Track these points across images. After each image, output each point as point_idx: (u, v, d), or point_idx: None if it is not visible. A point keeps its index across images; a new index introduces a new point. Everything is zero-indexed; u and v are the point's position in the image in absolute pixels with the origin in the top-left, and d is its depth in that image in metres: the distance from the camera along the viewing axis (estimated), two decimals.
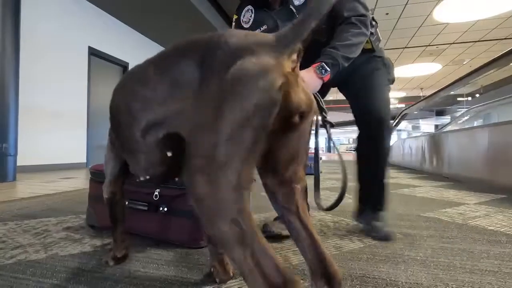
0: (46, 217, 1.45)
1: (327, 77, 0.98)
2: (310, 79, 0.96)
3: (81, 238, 1.12)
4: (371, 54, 1.23)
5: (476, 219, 1.48)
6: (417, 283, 0.76)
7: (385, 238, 1.13)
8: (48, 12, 4.22)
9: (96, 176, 1.25)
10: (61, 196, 2.08)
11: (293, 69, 0.47)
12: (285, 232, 1.09)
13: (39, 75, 4.05)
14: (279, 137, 0.51)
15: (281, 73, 0.44)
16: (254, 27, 1.17)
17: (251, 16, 1.17)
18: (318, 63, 0.98)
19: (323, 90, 1.37)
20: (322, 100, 1.00)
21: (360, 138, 1.22)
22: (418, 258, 0.94)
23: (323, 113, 0.95)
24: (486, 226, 1.34)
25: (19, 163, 3.10)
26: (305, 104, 0.49)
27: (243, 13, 1.20)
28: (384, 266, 0.87)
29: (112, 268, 0.84)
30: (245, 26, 1.19)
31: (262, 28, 1.15)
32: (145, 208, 1.10)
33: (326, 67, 0.97)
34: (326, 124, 0.96)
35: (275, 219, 1.24)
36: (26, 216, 1.47)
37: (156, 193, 1.07)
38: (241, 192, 0.43)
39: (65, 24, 4.50)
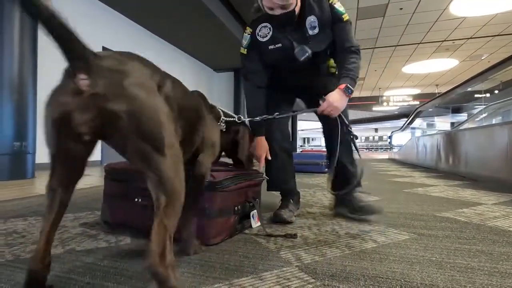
0: None
1: (351, 95, 1.27)
2: (341, 99, 1.25)
3: (96, 234, 1.15)
4: (334, 76, 1.50)
5: (495, 220, 1.43)
6: (432, 285, 0.74)
7: (372, 211, 1.25)
8: (64, 13, 4.33)
9: (111, 174, 1.27)
10: (77, 192, 2.14)
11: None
12: (291, 219, 1.34)
13: (55, 75, 4.14)
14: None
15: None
16: (270, 42, 1.33)
17: (268, 33, 1.32)
18: (345, 85, 1.25)
19: (292, 101, 1.63)
20: (346, 117, 1.34)
21: (324, 133, 1.51)
22: (434, 259, 0.92)
23: (349, 128, 1.34)
24: (505, 227, 1.30)
25: (37, 161, 3.21)
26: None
27: (259, 28, 1.33)
28: (398, 267, 0.85)
29: (126, 263, 0.86)
30: (261, 40, 1.33)
31: (276, 45, 1.32)
32: None
33: (351, 88, 1.26)
34: (352, 137, 1.35)
35: (279, 208, 1.42)
36: None
37: None
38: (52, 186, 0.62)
39: (80, 25, 4.58)
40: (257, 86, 1.39)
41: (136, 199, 1.17)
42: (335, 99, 1.24)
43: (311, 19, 1.28)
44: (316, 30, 1.29)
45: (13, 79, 2.90)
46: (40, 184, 2.59)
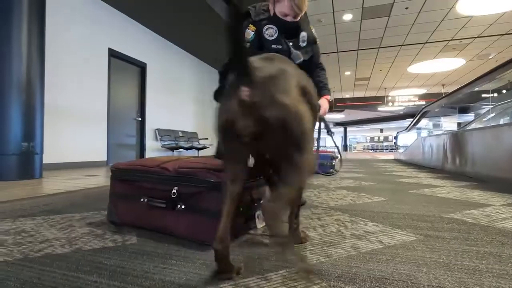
0: (70, 212, 1.51)
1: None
2: (328, 105, 1.57)
3: (103, 233, 1.16)
4: None
5: (504, 222, 1.41)
6: (440, 287, 0.73)
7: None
8: (71, 16, 4.39)
9: (117, 174, 1.29)
10: (83, 192, 2.17)
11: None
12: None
13: (62, 77, 4.22)
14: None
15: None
16: (274, 42, 1.51)
17: (274, 34, 1.51)
18: (328, 96, 1.60)
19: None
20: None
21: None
22: (441, 260, 0.91)
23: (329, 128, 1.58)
24: None
25: (44, 161, 3.25)
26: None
27: (265, 27, 1.51)
28: (405, 268, 0.84)
29: (132, 263, 0.87)
30: (268, 38, 1.51)
31: (278, 46, 1.52)
32: (163, 205, 1.12)
33: (329, 98, 1.62)
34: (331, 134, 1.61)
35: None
36: (52, 211, 1.54)
37: (174, 190, 1.09)
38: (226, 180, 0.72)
39: (87, 27, 4.66)
40: None
41: (141, 199, 1.18)
42: (325, 106, 1.58)
43: (303, 34, 1.56)
44: (305, 44, 1.58)
45: (21, 80, 2.95)
46: (47, 184, 2.63)
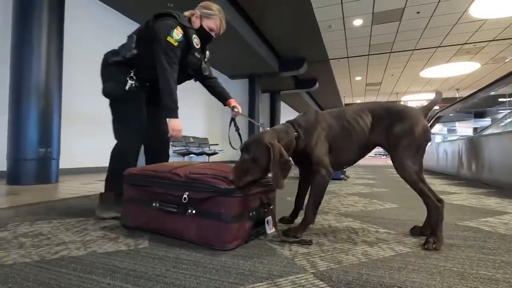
0: (85, 216, 1.56)
1: None
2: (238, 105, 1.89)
3: (116, 237, 1.19)
4: None
5: None
6: None
7: None
8: (87, 26, 4.56)
9: (130, 179, 1.32)
10: (97, 197, 2.21)
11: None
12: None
13: (78, 85, 4.37)
14: None
15: None
16: (197, 51, 1.66)
17: (199, 44, 1.65)
18: (234, 99, 1.94)
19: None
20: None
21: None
22: (455, 269, 0.89)
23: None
24: None
25: (61, 166, 3.35)
26: None
27: (194, 36, 1.62)
28: (418, 277, 0.83)
29: (144, 266, 0.88)
30: (195, 46, 1.63)
31: (198, 55, 1.68)
32: (175, 210, 1.14)
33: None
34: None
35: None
36: (68, 215, 1.59)
37: (185, 196, 1.11)
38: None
39: (102, 37, 4.82)
40: (175, 75, 1.60)
41: (153, 204, 1.21)
42: (239, 106, 1.91)
43: (208, 52, 1.79)
44: (207, 59, 1.81)
45: (40, 87, 3.07)
46: (63, 189, 2.71)
